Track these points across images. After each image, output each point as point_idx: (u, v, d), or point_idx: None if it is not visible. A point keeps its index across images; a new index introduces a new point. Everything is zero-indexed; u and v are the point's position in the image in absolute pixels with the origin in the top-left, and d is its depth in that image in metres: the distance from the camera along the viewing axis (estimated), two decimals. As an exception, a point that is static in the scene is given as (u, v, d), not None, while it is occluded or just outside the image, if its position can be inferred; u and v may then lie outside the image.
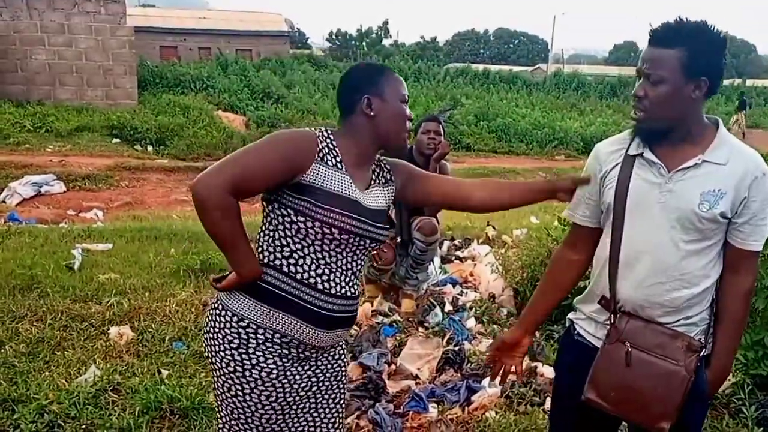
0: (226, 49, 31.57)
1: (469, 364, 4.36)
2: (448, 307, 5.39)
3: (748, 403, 3.60)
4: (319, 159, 2.07)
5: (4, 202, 12.16)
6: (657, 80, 2.00)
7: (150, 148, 18.10)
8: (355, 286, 2.22)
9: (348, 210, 2.07)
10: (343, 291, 2.14)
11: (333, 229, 2.04)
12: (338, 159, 2.12)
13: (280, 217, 2.08)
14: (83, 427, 3.50)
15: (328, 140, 2.13)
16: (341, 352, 2.36)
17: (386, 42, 52.22)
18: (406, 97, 2.23)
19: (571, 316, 2.35)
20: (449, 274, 6.28)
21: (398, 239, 5.40)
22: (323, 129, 2.18)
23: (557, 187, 2.28)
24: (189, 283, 5.80)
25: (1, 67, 19.75)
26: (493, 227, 8.09)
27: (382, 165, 2.33)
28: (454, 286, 5.95)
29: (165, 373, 4.09)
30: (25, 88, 19.98)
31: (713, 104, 35.98)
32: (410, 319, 5.23)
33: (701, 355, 2.09)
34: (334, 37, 55.44)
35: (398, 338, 4.84)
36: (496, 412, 3.76)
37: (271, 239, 2.12)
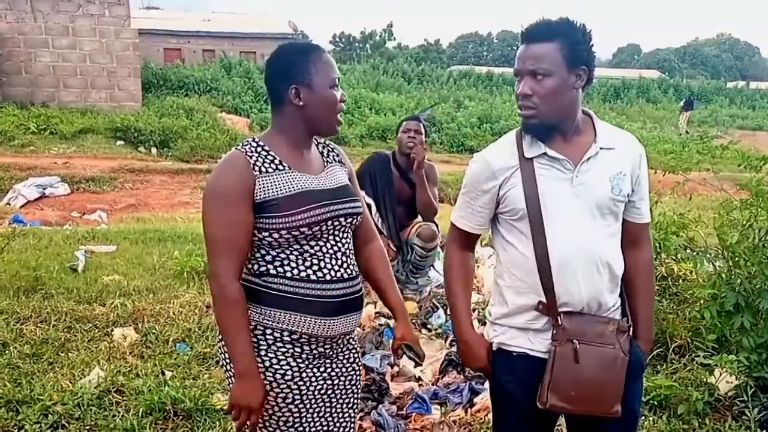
0: (230, 52, 31.60)
1: (472, 366, 4.35)
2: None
3: (751, 405, 3.59)
4: (258, 173, 2.05)
5: (8, 204, 12.20)
6: (544, 74, 2.05)
7: (154, 150, 18.11)
8: (351, 267, 2.19)
9: (307, 203, 2.05)
10: (339, 274, 2.13)
11: (302, 228, 2.04)
12: (277, 161, 2.09)
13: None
14: (87, 428, 3.52)
15: (258, 149, 2.09)
16: (355, 355, 2.33)
17: (390, 44, 52.23)
18: (336, 81, 2.12)
19: (500, 339, 2.27)
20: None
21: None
22: (251, 140, 2.14)
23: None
24: (192, 285, 5.81)
25: (5, 69, 19.79)
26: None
27: (330, 148, 2.31)
28: (457, 288, 5.93)
29: (169, 374, 4.10)
30: (29, 90, 20.01)
31: (717, 106, 36.01)
32: (413, 321, 5.24)
33: (629, 333, 2.19)
34: (338, 39, 55.48)
35: (401, 340, 4.83)
36: (499, 414, 3.76)
37: (252, 254, 2.12)
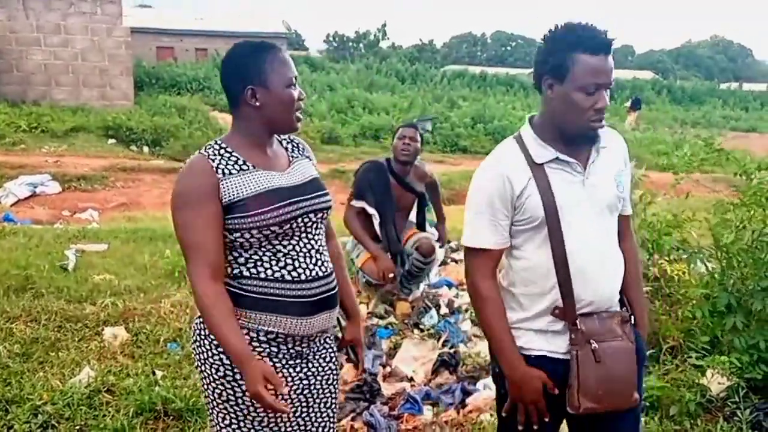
0: (222, 50, 31.41)
1: (464, 367, 4.36)
2: (443, 310, 5.38)
3: (742, 406, 3.59)
4: (221, 176, 2.02)
5: (-1, 202, 12.12)
6: (612, 87, 2.07)
7: (146, 148, 18.06)
8: (326, 264, 2.18)
9: (275, 201, 2.03)
10: (314, 273, 2.11)
11: (272, 227, 2.02)
12: (240, 161, 2.07)
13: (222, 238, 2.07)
14: (77, 427, 3.49)
15: (221, 151, 2.07)
16: (332, 354, 2.31)
17: (384, 44, 52.26)
18: (293, 80, 2.09)
19: (517, 343, 2.19)
20: (445, 277, 6.27)
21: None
22: (213, 142, 2.12)
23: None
24: (184, 285, 5.78)
25: (-3, 67, 19.71)
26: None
27: (295, 143, 2.29)
28: (449, 288, 5.94)
29: (159, 374, 4.08)
30: (21, 88, 19.90)
31: (710, 107, 36.11)
32: (405, 321, 5.23)
33: (631, 322, 2.21)
34: (331, 38, 55.46)
35: (393, 340, 4.83)
36: (491, 414, 3.75)
37: (225, 256, 2.10)
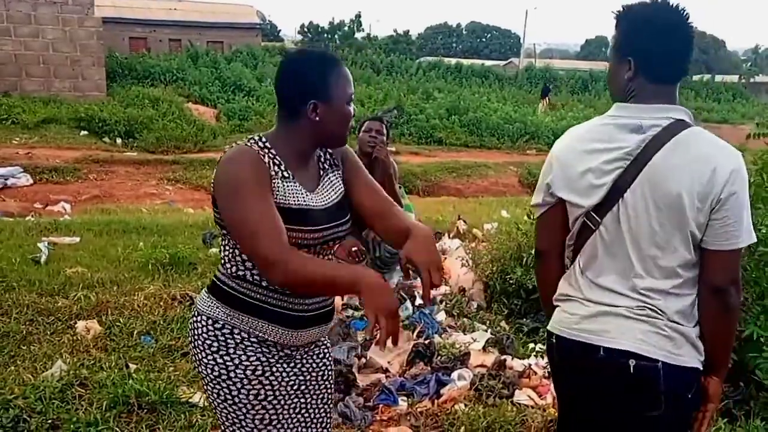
0: (196, 41, 31.33)
1: (439, 357, 4.37)
2: (418, 301, 5.40)
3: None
4: (273, 174, 1.98)
5: (-31, 194, 11.98)
6: None
7: (119, 140, 17.93)
8: None
9: (307, 224, 1.99)
10: None
11: (292, 245, 1.95)
12: (283, 167, 2.02)
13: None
14: (49, 422, 3.46)
15: (266, 150, 2.01)
16: (325, 351, 2.30)
17: (359, 35, 52.12)
18: (352, 96, 2.07)
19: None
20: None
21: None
22: (256, 140, 2.04)
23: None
24: (158, 277, 5.76)
25: (-34, 57, 19.44)
26: (464, 221, 8.12)
27: (332, 153, 2.20)
28: (424, 280, 5.94)
29: (133, 367, 4.05)
30: (-10, 79, 19.68)
31: (683, 99, 36.42)
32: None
33: None
34: (306, 29, 55.20)
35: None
36: (466, 405, 3.78)
37: (231, 254, 2.05)
